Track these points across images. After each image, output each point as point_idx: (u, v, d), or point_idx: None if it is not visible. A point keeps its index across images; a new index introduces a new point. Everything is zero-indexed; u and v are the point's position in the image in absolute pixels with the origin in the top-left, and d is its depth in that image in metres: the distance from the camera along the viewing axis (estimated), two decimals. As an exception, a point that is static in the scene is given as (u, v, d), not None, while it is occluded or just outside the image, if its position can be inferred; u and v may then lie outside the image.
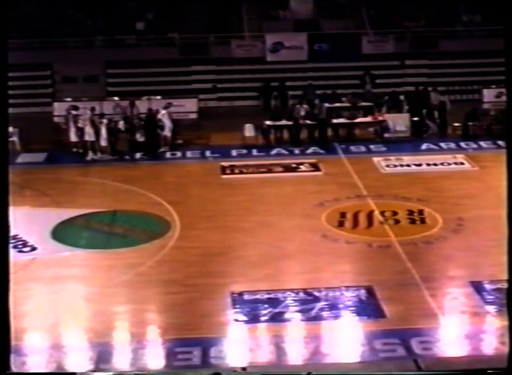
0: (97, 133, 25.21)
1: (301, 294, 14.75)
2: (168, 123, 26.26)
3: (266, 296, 14.73)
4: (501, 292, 14.01)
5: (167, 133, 26.20)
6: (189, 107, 30.61)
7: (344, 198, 20.75)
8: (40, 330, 13.73)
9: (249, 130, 26.92)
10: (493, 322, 13.60)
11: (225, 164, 24.30)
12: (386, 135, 27.06)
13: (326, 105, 27.75)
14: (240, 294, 14.86)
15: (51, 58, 32.80)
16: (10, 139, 23.40)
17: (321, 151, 25.68)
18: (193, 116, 30.56)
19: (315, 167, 23.92)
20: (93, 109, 26.35)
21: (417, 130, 27.30)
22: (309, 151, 25.80)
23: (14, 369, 9.94)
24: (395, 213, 19.49)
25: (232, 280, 15.62)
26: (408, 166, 24.04)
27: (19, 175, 21.51)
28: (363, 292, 14.87)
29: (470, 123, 27.29)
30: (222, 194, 21.42)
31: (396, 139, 26.80)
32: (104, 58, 33.23)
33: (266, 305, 14.35)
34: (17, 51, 26.36)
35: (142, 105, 28.20)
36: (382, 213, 19.45)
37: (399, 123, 27.26)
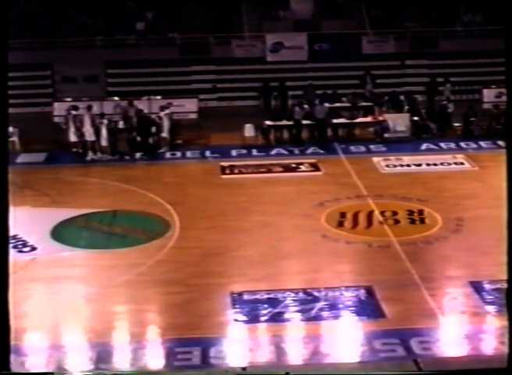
0: (98, 133, 25.22)
1: (301, 294, 14.76)
2: (166, 124, 26.25)
3: (266, 296, 14.74)
4: (501, 292, 14.01)
5: (165, 134, 26.19)
6: (189, 107, 30.66)
7: (344, 198, 20.75)
8: (40, 330, 13.74)
9: (249, 130, 26.92)
10: (493, 322, 13.61)
11: (225, 164, 24.30)
12: (386, 135, 27.06)
13: (327, 105, 27.69)
14: (240, 294, 14.86)
15: (51, 58, 32.79)
16: (10, 139, 23.40)
17: (321, 151, 25.68)
18: (193, 116, 30.59)
19: (315, 167, 23.91)
20: (89, 108, 25.82)
21: (417, 130, 27.31)
22: (309, 151, 25.80)
23: (14, 369, 9.94)
24: (395, 213, 19.49)
25: (232, 280, 15.63)
26: (408, 166, 24.04)
27: (19, 175, 21.50)
28: (363, 292, 14.88)
29: (470, 123, 27.28)
30: (221, 194, 21.42)
31: (396, 139, 26.79)
32: (104, 58, 33.22)
33: (266, 305, 14.36)
34: (17, 51, 26.32)
35: (142, 105, 28.20)
36: (382, 213, 19.45)
37: (399, 123, 27.26)
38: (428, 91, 31.41)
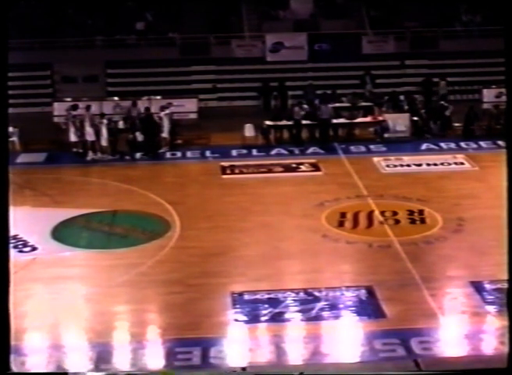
0: (98, 133, 25.22)
1: (301, 294, 14.76)
2: (166, 124, 26.25)
3: (266, 296, 14.73)
4: (501, 292, 14.02)
5: (165, 134, 26.18)
6: (189, 107, 30.65)
7: (344, 198, 20.75)
8: (40, 330, 13.73)
9: (249, 130, 26.92)
10: (493, 322, 13.61)
11: (225, 164, 24.30)
12: (386, 135, 27.06)
13: (330, 105, 27.65)
14: (240, 294, 14.86)
15: (51, 58, 32.80)
16: (10, 139, 23.41)
17: (321, 151, 25.68)
18: (193, 116, 30.59)
19: (315, 167, 23.91)
20: (88, 108, 25.83)
21: (417, 130, 27.31)
22: (309, 151, 25.80)
23: (14, 369, 9.93)
24: (395, 213, 19.49)
25: (233, 280, 15.62)
26: (408, 166, 24.04)
27: (19, 175, 21.52)
28: (363, 292, 14.87)
29: (471, 124, 27.27)
30: (222, 194, 21.42)
31: (396, 139, 26.80)
32: (104, 58, 33.23)
33: (266, 305, 14.35)
34: (17, 51, 26.34)
35: (142, 105, 28.18)
36: (382, 213, 19.44)
37: (399, 123, 27.26)
38: (424, 90, 31.41)
